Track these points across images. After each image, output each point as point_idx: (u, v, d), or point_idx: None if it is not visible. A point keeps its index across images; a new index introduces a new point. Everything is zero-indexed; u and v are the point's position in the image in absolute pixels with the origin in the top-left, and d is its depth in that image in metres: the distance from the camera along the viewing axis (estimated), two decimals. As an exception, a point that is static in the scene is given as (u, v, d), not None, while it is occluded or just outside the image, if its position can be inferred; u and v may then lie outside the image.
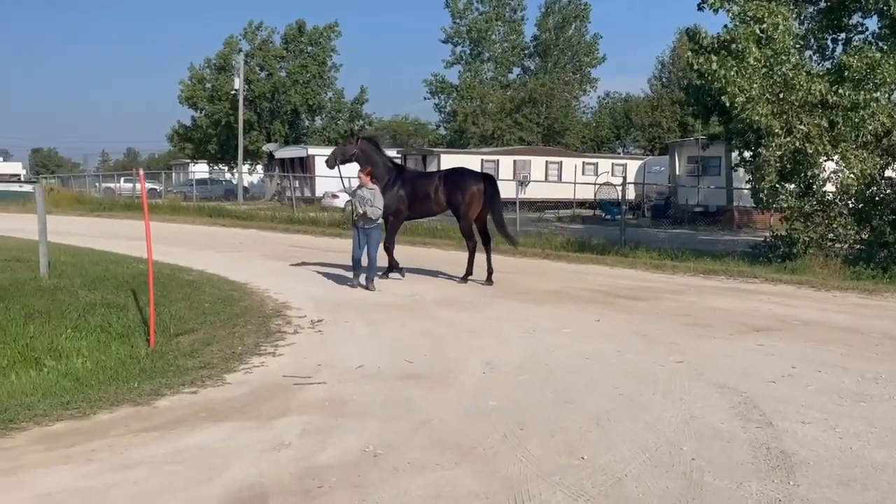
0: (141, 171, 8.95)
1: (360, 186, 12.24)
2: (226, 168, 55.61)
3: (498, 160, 39.83)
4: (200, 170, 56.42)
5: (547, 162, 40.77)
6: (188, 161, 61.55)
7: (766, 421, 5.66)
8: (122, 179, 47.87)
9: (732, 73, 14.15)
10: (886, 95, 14.52)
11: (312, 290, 11.86)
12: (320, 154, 43.35)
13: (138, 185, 39.50)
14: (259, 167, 54.83)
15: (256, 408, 6.03)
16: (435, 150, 43.73)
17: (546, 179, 38.53)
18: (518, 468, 4.76)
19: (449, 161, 36.35)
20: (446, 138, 61.27)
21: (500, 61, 61.43)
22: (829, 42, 16.52)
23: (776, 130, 14.24)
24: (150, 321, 8.19)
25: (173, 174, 60.64)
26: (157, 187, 44.69)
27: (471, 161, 38.40)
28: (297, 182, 38.23)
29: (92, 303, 9.85)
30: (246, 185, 50.73)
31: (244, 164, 49.44)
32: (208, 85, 51.66)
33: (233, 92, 47.77)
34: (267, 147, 50.36)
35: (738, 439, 5.28)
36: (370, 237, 12.01)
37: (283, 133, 52.20)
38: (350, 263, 12.52)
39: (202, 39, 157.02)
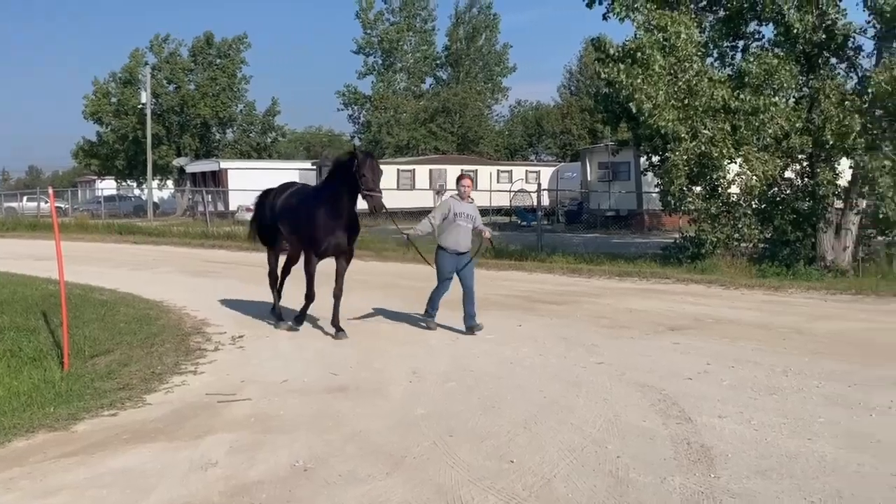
0: (51, 190, 8.69)
1: (454, 197, 9.91)
2: (134, 184, 54.28)
3: (414, 170, 39.97)
4: (108, 186, 54.88)
5: (462, 170, 41.07)
6: (94, 178, 59.80)
7: (686, 417, 5.86)
8: (25, 198, 46.19)
9: (639, 81, 14.57)
10: (784, 100, 15.18)
11: (232, 305, 11.68)
12: (233, 167, 42.76)
13: (43, 205, 38.25)
14: (169, 182, 53.67)
15: (180, 427, 5.91)
16: (350, 160, 43.48)
17: (462, 188, 38.78)
18: (450, 475, 4.81)
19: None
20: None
21: (412, 71, 61.70)
22: (728, 49, 17.16)
23: (682, 135, 14.73)
24: (64, 343, 7.93)
25: (79, 191, 58.80)
26: (63, 205, 43.25)
27: (387, 171, 38.38)
28: (209, 196, 37.52)
29: (0, 327, 9.48)
30: (156, 200, 49.54)
31: (154, 179, 48.33)
32: (114, 99, 50.36)
33: (140, 106, 46.65)
34: (177, 161, 49.38)
35: (659, 436, 5.45)
36: (469, 267, 9.65)
37: (193, 147, 51.26)
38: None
39: (106, 53, 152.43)
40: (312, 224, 9.34)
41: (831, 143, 14.58)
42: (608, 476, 4.72)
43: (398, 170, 39.18)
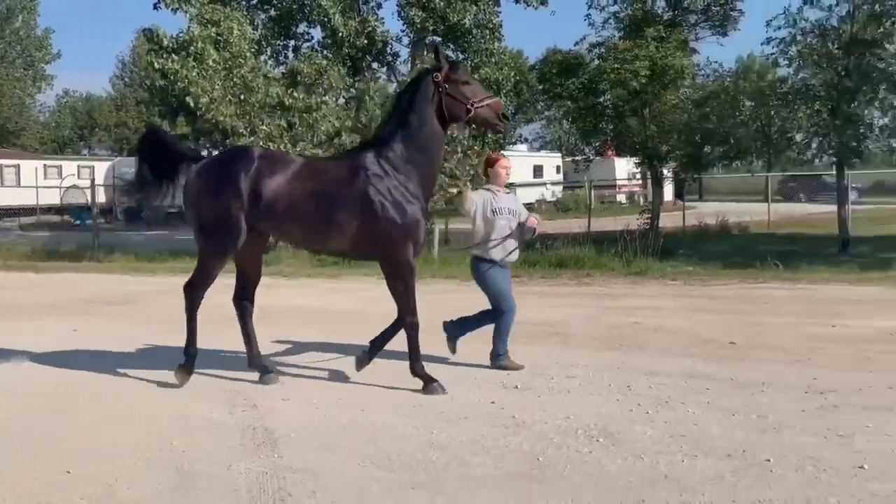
0: None
1: (487, 189, 7.23)
2: None
3: (-60, 165, 34.96)
4: None
5: (2, 165, 37.00)
6: None
7: (251, 404, 6.05)
8: None
9: (194, 75, 14.52)
10: (335, 99, 16.26)
11: None
12: None
13: None
14: None
15: None
16: None
17: (3, 184, 35.05)
18: (-5, 498, 4.40)
19: None
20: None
21: (-71, 52, 53.66)
22: (281, 48, 17.86)
23: (241, 130, 14.99)
24: None
25: None
26: None
27: None
28: None
29: None
30: None
31: None
32: None
33: None
34: None
35: (226, 425, 5.56)
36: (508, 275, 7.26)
37: None
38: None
39: None
40: (398, 204, 6.17)
41: (376, 139, 15.99)
42: (174, 471, 4.70)
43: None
